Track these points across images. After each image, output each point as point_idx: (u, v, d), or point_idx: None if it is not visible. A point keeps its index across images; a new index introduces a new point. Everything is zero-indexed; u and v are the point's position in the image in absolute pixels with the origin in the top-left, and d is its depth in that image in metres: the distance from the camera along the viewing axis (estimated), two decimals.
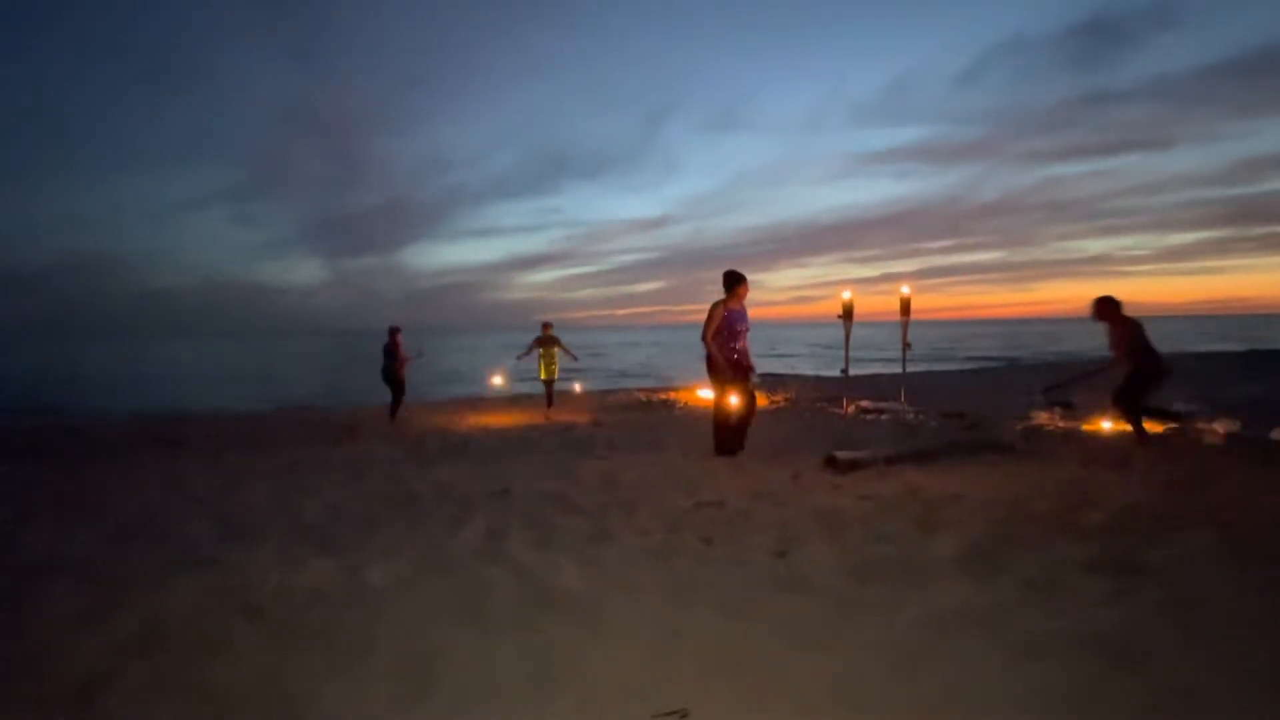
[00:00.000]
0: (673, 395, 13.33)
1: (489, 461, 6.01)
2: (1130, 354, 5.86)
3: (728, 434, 5.96)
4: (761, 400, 6.12)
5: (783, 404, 10.64)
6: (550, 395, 10.82)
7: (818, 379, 16.26)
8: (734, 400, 5.88)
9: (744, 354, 5.91)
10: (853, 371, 9.89)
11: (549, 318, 10.62)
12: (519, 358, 10.83)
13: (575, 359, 10.97)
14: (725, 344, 5.82)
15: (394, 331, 9.93)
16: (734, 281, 5.85)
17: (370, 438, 8.06)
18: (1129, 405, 5.92)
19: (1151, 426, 6.02)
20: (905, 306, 8.34)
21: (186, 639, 2.35)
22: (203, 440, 8.15)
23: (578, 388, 12.60)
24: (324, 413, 12.15)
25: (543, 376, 10.57)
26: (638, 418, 9.62)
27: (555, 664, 2.14)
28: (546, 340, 10.51)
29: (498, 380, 11.89)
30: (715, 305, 5.86)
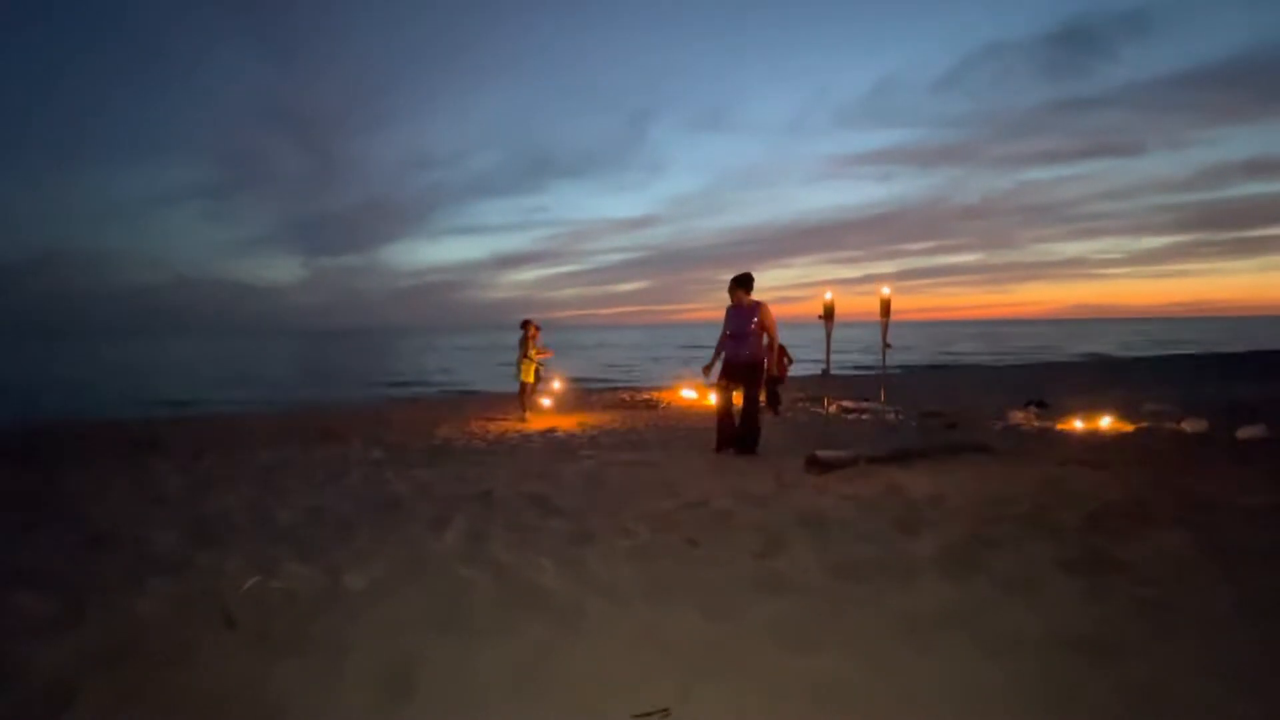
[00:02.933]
0: (656, 395, 13.34)
1: (470, 463, 5.95)
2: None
3: (718, 431, 6.19)
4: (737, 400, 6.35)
5: (765, 404, 10.69)
6: (531, 399, 10.34)
7: (800, 378, 16.39)
8: (717, 399, 6.07)
9: (733, 353, 6.07)
10: (834, 371, 9.96)
11: (533, 316, 10.12)
12: (537, 360, 10.18)
13: (550, 355, 10.54)
14: (722, 343, 6.08)
15: (534, 329, 10.48)
16: (730, 285, 6.08)
17: (350, 439, 7.95)
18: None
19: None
20: (885, 307, 8.42)
21: (157, 647, 2.29)
22: (175, 442, 7.98)
23: (556, 385, 12.35)
24: (302, 414, 11.97)
25: (521, 379, 10.13)
26: (621, 418, 9.61)
27: (536, 665, 2.12)
28: (532, 340, 10.06)
29: (547, 403, 11.09)
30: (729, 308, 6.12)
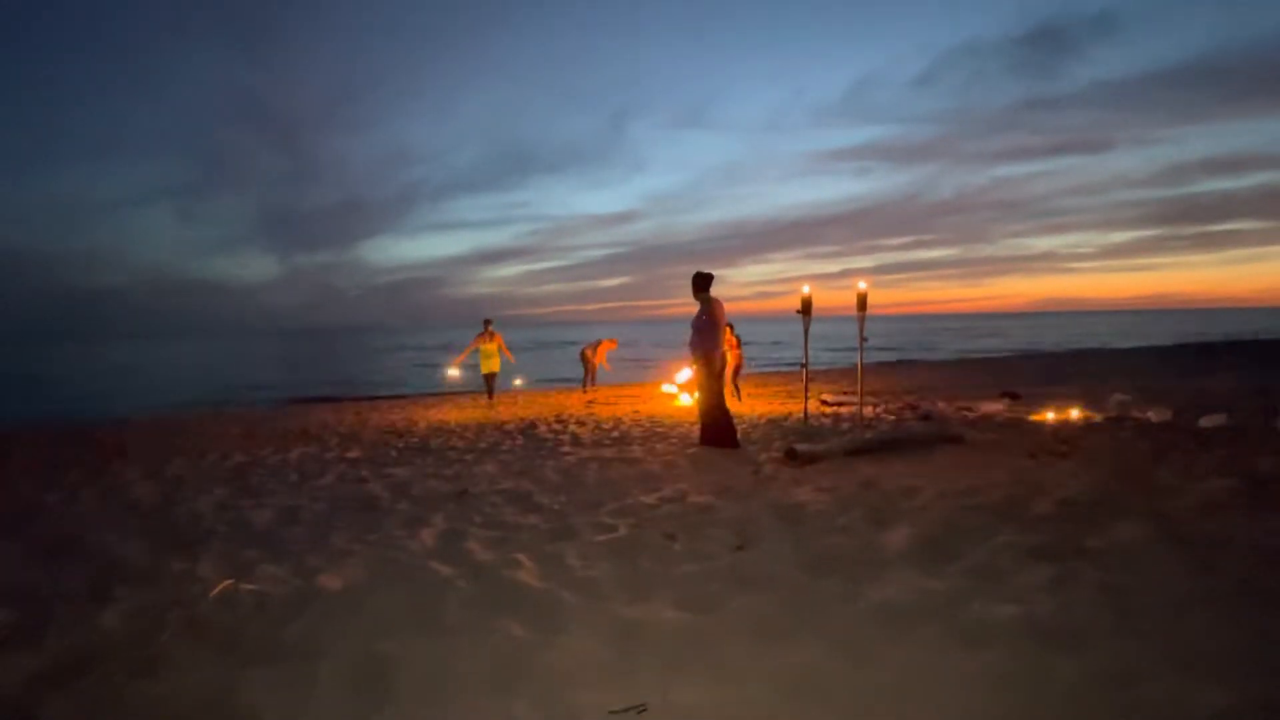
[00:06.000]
0: (637, 390, 13.36)
1: (448, 461, 5.90)
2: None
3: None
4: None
5: (747, 398, 10.77)
6: (490, 389, 11.78)
7: (779, 372, 16.56)
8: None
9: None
10: (812, 365, 10.10)
11: (489, 315, 11.65)
12: (460, 358, 12.40)
13: (513, 360, 12.07)
14: None
15: (610, 341, 13.77)
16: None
17: (325, 439, 7.83)
18: None
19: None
20: (862, 302, 8.53)
21: (122, 657, 2.23)
22: (146, 446, 7.79)
23: (517, 384, 14.34)
24: (276, 414, 11.76)
25: (483, 371, 11.58)
26: (601, 414, 9.60)
27: (514, 663, 2.11)
28: (489, 338, 11.42)
29: (453, 373, 13.58)
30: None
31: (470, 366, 12.36)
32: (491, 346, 11.39)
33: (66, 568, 3.17)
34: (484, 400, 11.68)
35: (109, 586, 2.84)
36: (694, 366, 6.29)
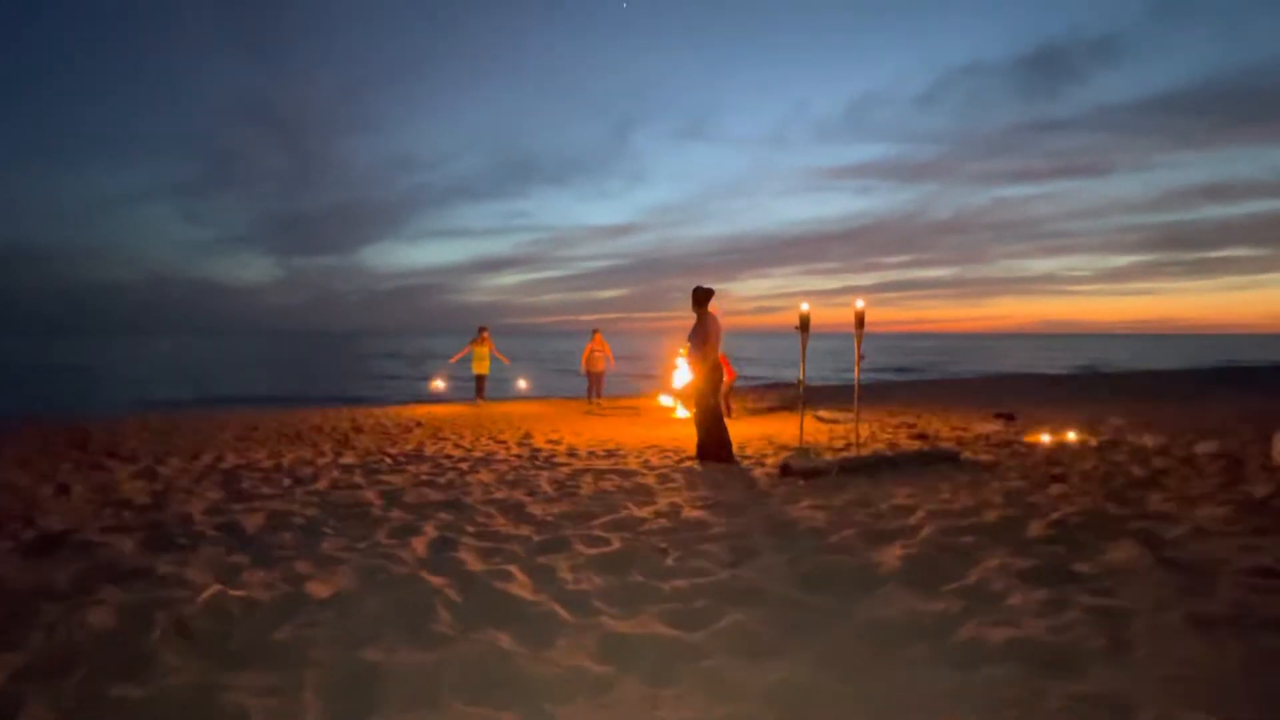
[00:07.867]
0: (634, 403, 13.36)
1: (442, 469, 5.89)
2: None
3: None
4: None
5: (742, 413, 10.78)
6: (482, 388, 13.08)
7: (775, 388, 16.59)
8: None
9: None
10: (809, 382, 10.13)
11: (484, 322, 13.26)
12: (453, 360, 13.50)
13: (506, 362, 13.78)
14: None
15: (595, 333, 13.43)
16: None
17: (319, 443, 7.80)
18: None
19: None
20: (860, 320, 8.57)
21: (107, 658, 2.21)
22: (139, 444, 7.75)
23: (522, 384, 15.53)
24: (271, 416, 11.72)
25: (475, 372, 12.94)
26: (597, 426, 9.59)
27: (502, 675, 2.10)
28: (481, 342, 12.83)
29: (439, 384, 14.48)
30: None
31: (462, 376, 13.79)
32: (483, 350, 12.88)
33: (54, 565, 3.14)
34: (475, 400, 12.90)
35: (96, 586, 2.82)
36: (693, 370, 6.32)
